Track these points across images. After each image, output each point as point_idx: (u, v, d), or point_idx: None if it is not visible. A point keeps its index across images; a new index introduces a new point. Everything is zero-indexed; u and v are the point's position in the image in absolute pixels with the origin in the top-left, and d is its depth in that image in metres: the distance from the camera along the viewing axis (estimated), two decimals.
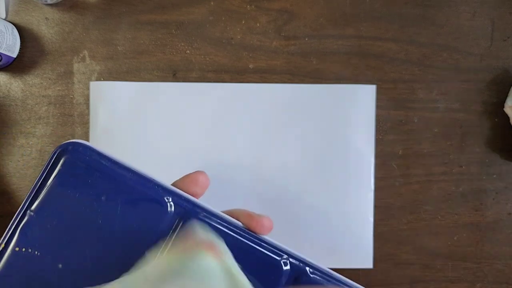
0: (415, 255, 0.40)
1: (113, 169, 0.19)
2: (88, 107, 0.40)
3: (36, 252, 0.18)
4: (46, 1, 0.39)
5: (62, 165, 0.18)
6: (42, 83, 0.40)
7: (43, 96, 0.40)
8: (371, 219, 0.40)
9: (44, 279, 0.18)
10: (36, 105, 0.40)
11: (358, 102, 0.40)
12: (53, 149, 0.19)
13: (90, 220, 0.18)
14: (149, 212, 0.19)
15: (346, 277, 0.22)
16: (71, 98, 0.40)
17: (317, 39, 0.40)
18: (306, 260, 0.21)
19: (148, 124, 0.39)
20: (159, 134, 0.39)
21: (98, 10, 0.40)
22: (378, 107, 0.40)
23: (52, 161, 0.18)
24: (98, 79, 0.40)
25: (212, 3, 0.40)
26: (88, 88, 0.40)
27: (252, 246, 0.20)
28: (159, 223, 0.19)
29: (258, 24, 0.40)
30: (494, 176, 0.41)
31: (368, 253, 0.40)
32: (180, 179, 0.22)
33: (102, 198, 0.19)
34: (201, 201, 0.21)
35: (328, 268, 0.22)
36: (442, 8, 0.40)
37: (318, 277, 0.20)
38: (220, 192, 0.39)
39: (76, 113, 0.40)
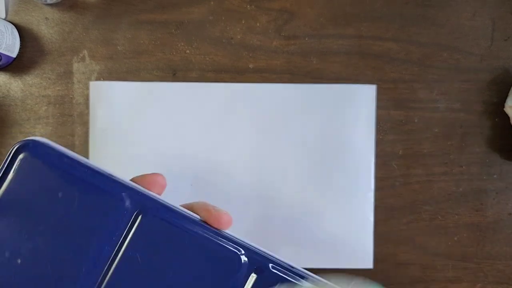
0: (415, 255, 0.40)
1: (70, 165, 0.19)
2: (87, 107, 0.40)
3: None
4: (46, 1, 0.39)
5: (19, 162, 0.19)
6: (41, 83, 0.40)
7: (42, 96, 0.40)
8: (371, 219, 0.40)
9: (3, 274, 0.18)
10: (36, 105, 0.40)
11: (358, 102, 0.40)
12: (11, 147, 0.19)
13: (47, 216, 0.19)
14: (105, 207, 0.19)
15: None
16: (71, 98, 0.40)
17: (317, 39, 0.40)
18: (267, 254, 0.21)
19: (148, 124, 0.39)
20: (159, 134, 0.39)
21: (98, 10, 0.40)
22: (378, 107, 0.40)
23: (10, 158, 0.19)
24: (98, 79, 0.40)
25: (212, 2, 0.40)
26: (88, 88, 0.40)
27: (208, 239, 0.20)
28: (115, 217, 0.19)
29: (258, 24, 0.40)
30: (495, 176, 0.40)
31: (368, 253, 0.40)
32: (139, 177, 0.22)
33: (59, 194, 0.19)
34: (162, 196, 0.21)
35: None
36: (443, 8, 0.40)
37: (279, 272, 0.20)
38: (220, 192, 0.39)
39: (76, 113, 0.40)
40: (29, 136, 0.23)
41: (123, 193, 0.20)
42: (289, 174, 0.39)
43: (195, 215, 0.21)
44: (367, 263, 0.39)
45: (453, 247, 0.40)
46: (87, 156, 0.39)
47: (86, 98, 0.40)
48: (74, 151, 0.20)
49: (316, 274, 0.21)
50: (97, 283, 0.19)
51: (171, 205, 0.20)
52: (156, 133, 0.39)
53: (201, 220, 0.21)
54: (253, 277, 0.20)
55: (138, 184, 0.21)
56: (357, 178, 0.39)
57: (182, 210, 0.21)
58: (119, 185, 0.20)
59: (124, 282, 0.19)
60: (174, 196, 0.39)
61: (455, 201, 0.40)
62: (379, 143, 0.40)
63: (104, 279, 0.19)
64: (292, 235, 0.39)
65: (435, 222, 0.40)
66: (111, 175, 0.20)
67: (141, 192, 0.20)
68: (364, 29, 0.40)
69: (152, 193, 0.21)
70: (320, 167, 0.39)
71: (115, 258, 0.19)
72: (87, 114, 0.40)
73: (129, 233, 0.19)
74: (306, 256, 0.39)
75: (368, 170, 0.40)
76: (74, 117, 0.40)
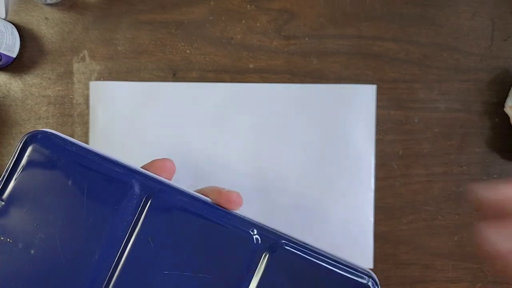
0: (415, 255, 0.40)
1: (79, 154, 0.19)
2: (88, 107, 0.40)
3: (8, 239, 0.19)
4: (46, 1, 0.39)
5: (29, 153, 0.19)
6: (41, 83, 0.40)
7: (43, 96, 0.40)
8: (371, 219, 0.40)
9: (17, 265, 0.19)
10: (36, 105, 0.40)
11: (358, 102, 0.40)
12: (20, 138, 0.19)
13: (58, 205, 0.19)
14: (115, 193, 0.19)
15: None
16: (71, 98, 0.40)
17: (317, 39, 0.40)
18: (279, 232, 0.21)
19: (148, 124, 0.39)
20: (159, 134, 0.39)
21: (98, 10, 0.40)
22: (378, 107, 0.40)
23: (20, 148, 0.19)
24: (98, 79, 0.40)
25: (212, 2, 0.40)
26: (88, 88, 0.40)
27: (219, 219, 0.20)
28: (126, 203, 0.19)
29: (258, 24, 0.40)
30: (495, 176, 0.40)
31: (368, 253, 0.40)
32: (148, 164, 0.22)
33: (69, 182, 0.19)
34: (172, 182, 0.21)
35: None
36: (442, 8, 0.40)
37: (292, 249, 0.20)
38: None
39: (76, 113, 0.40)
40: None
41: (132, 179, 0.20)
42: (289, 174, 0.39)
43: (205, 197, 0.21)
44: (367, 263, 0.39)
45: (453, 247, 0.40)
46: None
47: (86, 98, 0.40)
48: None
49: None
50: (111, 269, 0.19)
51: (181, 188, 0.21)
52: (156, 133, 0.39)
53: (212, 202, 0.21)
54: (266, 255, 0.20)
55: (148, 170, 0.21)
56: (357, 178, 0.39)
57: (192, 193, 0.21)
58: (127, 171, 0.20)
59: (138, 266, 0.19)
60: None
61: (455, 201, 0.40)
62: (379, 143, 0.40)
63: (118, 264, 0.19)
64: (292, 235, 0.39)
65: (435, 222, 0.40)
66: (119, 161, 0.20)
67: (150, 176, 0.20)
68: (364, 29, 0.40)
69: (161, 178, 0.21)
70: (320, 167, 0.39)
71: (128, 243, 0.19)
72: (87, 114, 0.40)
73: (140, 217, 0.19)
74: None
75: (368, 170, 0.40)
76: (74, 117, 0.40)
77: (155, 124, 0.39)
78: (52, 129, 0.20)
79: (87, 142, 0.39)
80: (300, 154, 0.39)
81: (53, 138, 0.19)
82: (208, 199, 0.21)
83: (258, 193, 0.39)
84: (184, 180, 0.39)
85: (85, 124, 0.40)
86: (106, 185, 0.19)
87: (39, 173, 0.19)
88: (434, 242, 0.40)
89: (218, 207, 0.21)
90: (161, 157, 0.22)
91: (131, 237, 0.19)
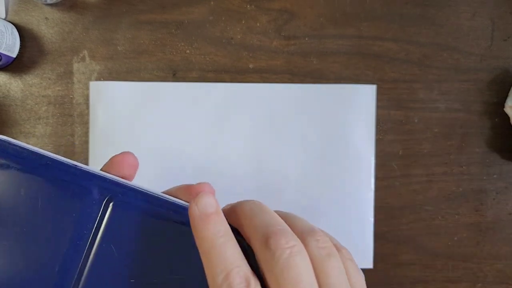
0: (415, 255, 0.40)
1: (31, 159, 0.18)
2: (87, 107, 0.40)
3: None
4: (46, 1, 0.39)
5: None
6: (41, 83, 0.40)
7: (42, 96, 0.40)
8: (371, 219, 0.40)
9: None
10: (36, 105, 0.40)
11: (358, 102, 0.40)
12: None
13: (13, 216, 0.18)
14: (72, 200, 0.18)
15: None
16: (71, 98, 0.40)
17: (317, 39, 0.40)
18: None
19: (148, 124, 0.39)
20: (159, 134, 0.39)
21: (98, 10, 0.40)
22: (378, 107, 0.40)
23: None
24: (98, 79, 0.40)
25: (212, 2, 0.40)
26: (88, 88, 0.40)
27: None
28: (84, 209, 0.18)
29: (258, 24, 0.40)
30: (495, 176, 0.40)
31: (368, 253, 0.40)
32: (108, 162, 0.20)
33: (21, 191, 0.18)
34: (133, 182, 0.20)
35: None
36: (442, 8, 0.40)
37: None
38: (220, 191, 0.39)
39: (76, 113, 0.40)
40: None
41: (90, 182, 0.18)
42: (289, 174, 0.39)
43: (170, 196, 0.20)
44: (367, 263, 0.39)
45: (453, 247, 0.40)
46: (87, 156, 0.39)
47: (86, 98, 0.40)
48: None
49: None
50: (74, 281, 0.18)
51: (143, 188, 0.19)
52: (156, 133, 0.39)
53: (179, 201, 0.20)
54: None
55: (107, 170, 0.19)
56: (357, 178, 0.39)
57: (154, 193, 0.19)
58: (84, 174, 0.18)
59: (102, 276, 0.18)
60: None
61: (455, 201, 0.40)
62: (379, 143, 0.40)
63: (81, 276, 0.18)
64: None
65: (435, 222, 0.40)
66: (76, 165, 0.18)
67: (108, 179, 0.19)
68: (364, 29, 0.40)
69: (121, 180, 0.19)
70: (320, 167, 0.39)
71: (90, 252, 0.18)
72: (87, 114, 0.40)
73: (101, 224, 0.18)
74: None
75: (368, 170, 0.40)
76: (74, 117, 0.40)
77: (155, 124, 0.39)
78: (3, 135, 0.19)
79: (87, 142, 0.39)
80: (300, 154, 0.39)
81: (2, 144, 0.18)
82: (175, 199, 0.20)
83: (258, 192, 0.39)
84: (184, 180, 0.39)
85: (85, 124, 0.40)
86: (62, 191, 0.18)
87: None
88: (434, 242, 0.40)
89: (185, 205, 0.19)
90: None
91: (93, 245, 0.18)
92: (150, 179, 0.39)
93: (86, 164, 0.39)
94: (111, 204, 0.18)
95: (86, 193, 0.18)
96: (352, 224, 0.39)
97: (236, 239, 0.18)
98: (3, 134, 0.19)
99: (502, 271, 0.41)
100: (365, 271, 0.40)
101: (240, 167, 0.39)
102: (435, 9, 0.40)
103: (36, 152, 0.18)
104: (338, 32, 0.40)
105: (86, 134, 0.40)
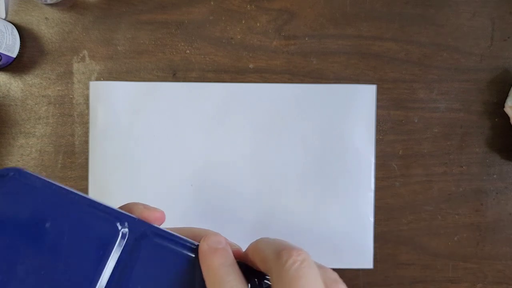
0: (415, 255, 0.40)
1: (58, 195, 0.18)
2: (87, 107, 0.40)
3: None
4: (46, 1, 0.39)
5: (2, 193, 0.18)
6: (41, 83, 0.40)
7: (42, 96, 0.40)
8: (371, 219, 0.40)
9: None
10: (36, 105, 0.40)
11: (358, 102, 0.40)
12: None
13: (35, 249, 0.18)
14: (99, 237, 0.18)
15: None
16: (71, 98, 0.40)
17: (317, 39, 0.40)
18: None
19: (148, 124, 0.39)
20: (159, 134, 0.39)
21: (98, 10, 0.40)
22: (378, 107, 0.40)
23: None
24: (98, 79, 0.40)
25: (212, 2, 0.40)
26: (87, 88, 0.40)
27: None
28: (109, 245, 0.18)
29: (258, 24, 0.40)
30: (495, 176, 0.40)
31: (368, 253, 0.40)
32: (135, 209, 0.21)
33: (47, 225, 0.18)
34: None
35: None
36: (442, 8, 0.40)
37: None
38: (220, 192, 0.39)
39: (76, 113, 0.40)
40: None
41: (116, 220, 0.19)
42: (289, 174, 0.39)
43: (185, 237, 0.20)
44: (367, 263, 0.39)
45: (453, 247, 0.40)
46: (87, 156, 0.39)
47: (86, 98, 0.40)
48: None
49: None
50: None
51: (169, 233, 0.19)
52: (156, 133, 0.39)
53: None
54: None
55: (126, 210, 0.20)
56: (357, 178, 0.39)
57: (179, 237, 0.19)
58: (112, 212, 0.19)
59: None
60: (174, 196, 0.39)
61: (455, 201, 0.40)
62: (379, 143, 0.40)
63: None
64: (292, 235, 0.39)
65: (435, 222, 0.40)
66: (97, 201, 0.19)
67: (132, 217, 0.19)
68: (364, 29, 0.40)
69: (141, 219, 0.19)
70: (320, 167, 0.39)
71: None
72: (87, 114, 0.40)
73: (125, 260, 0.18)
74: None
75: (368, 170, 0.40)
76: (74, 117, 0.40)
77: (155, 124, 0.39)
78: (25, 167, 0.18)
79: (87, 142, 0.39)
80: (300, 154, 0.39)
81: (26, 177, 0.18)
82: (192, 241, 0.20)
83: (258, 192, 0.39)
84: (184, 180, 0.39)
85: (85, 124, 0.40)
86: (88, 228, 0.18)
87: (11, 214, 0.18)
88: (434, 242, 0.40)
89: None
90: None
91: (113, 281, 0.18)
92: (150, 179, 0.39)
93: (86, 165, 0.39)
94: (135, 243, 0.19)
95: (112, 229, 0.19)
96: (352, 224, 0.39)
97: (246, 274, 0.19)
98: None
99: (502, 271, 0.40)
100: (365, 271, 0.40)
101: (240, 167, 0.39)
102: (435, 9, 0.40)
103: (63, 188, 0.19)
104: (338, 32, 0.40)
105: (86, 134, 0.40)
